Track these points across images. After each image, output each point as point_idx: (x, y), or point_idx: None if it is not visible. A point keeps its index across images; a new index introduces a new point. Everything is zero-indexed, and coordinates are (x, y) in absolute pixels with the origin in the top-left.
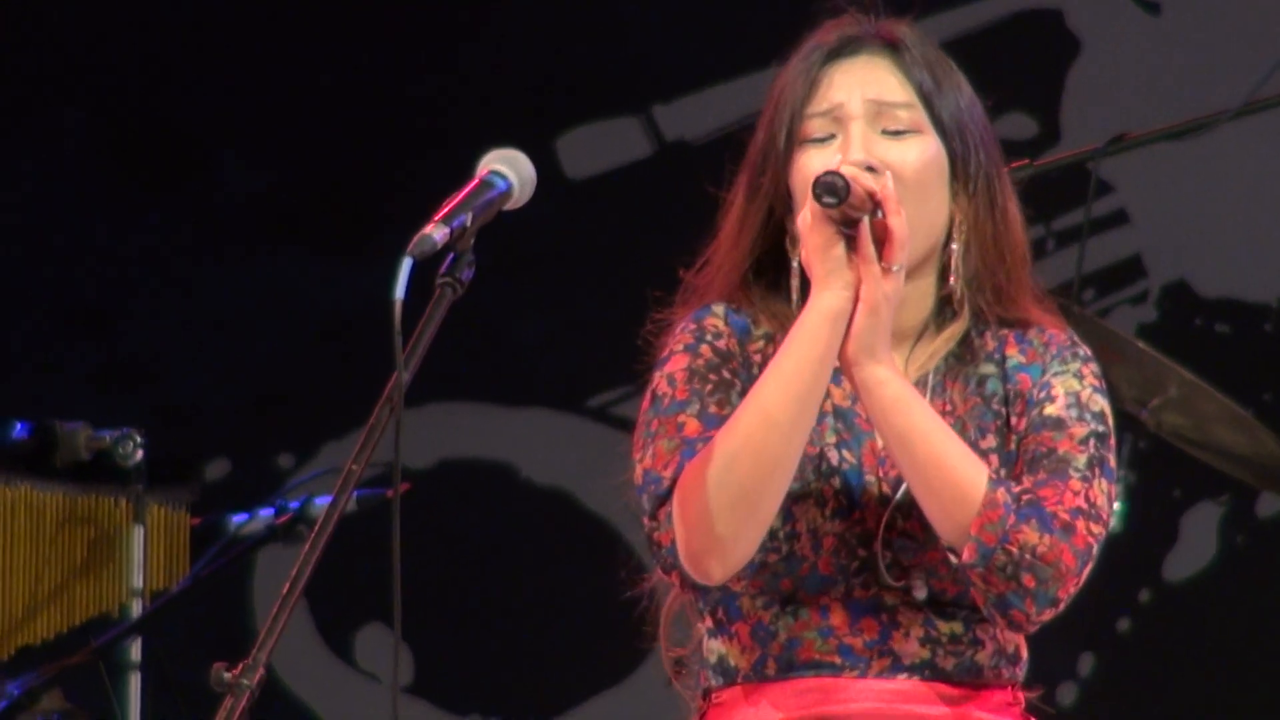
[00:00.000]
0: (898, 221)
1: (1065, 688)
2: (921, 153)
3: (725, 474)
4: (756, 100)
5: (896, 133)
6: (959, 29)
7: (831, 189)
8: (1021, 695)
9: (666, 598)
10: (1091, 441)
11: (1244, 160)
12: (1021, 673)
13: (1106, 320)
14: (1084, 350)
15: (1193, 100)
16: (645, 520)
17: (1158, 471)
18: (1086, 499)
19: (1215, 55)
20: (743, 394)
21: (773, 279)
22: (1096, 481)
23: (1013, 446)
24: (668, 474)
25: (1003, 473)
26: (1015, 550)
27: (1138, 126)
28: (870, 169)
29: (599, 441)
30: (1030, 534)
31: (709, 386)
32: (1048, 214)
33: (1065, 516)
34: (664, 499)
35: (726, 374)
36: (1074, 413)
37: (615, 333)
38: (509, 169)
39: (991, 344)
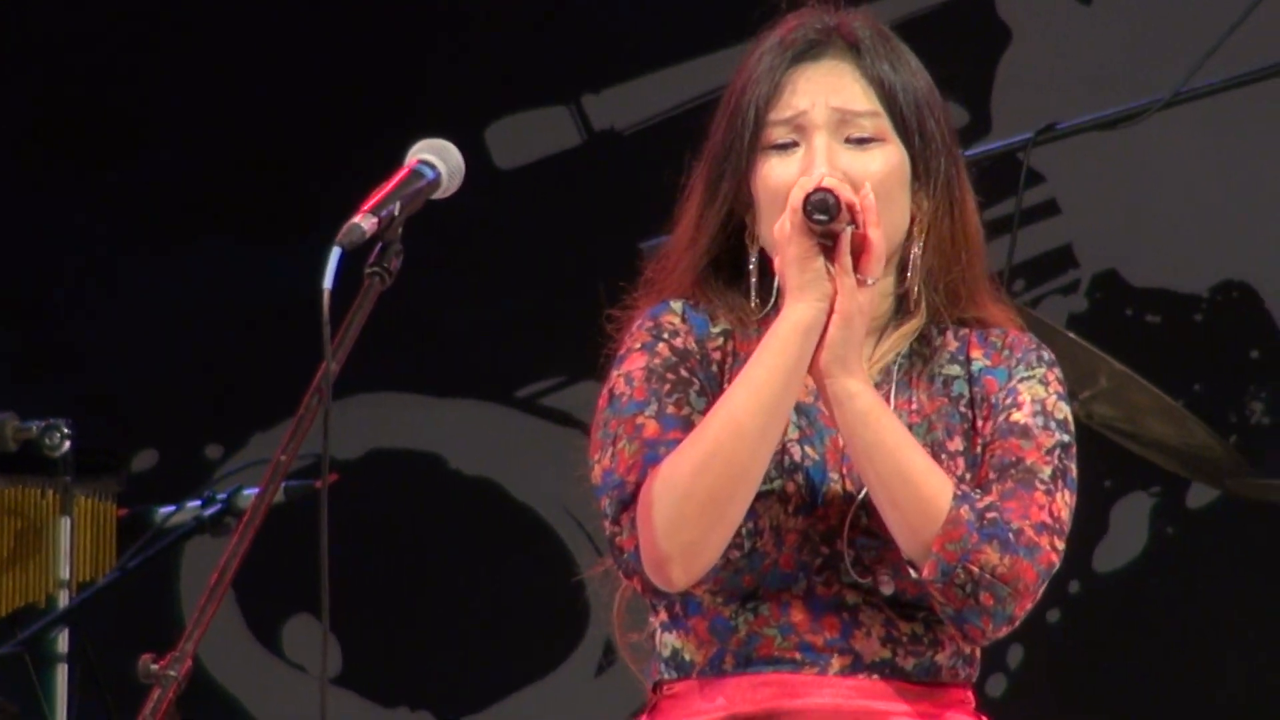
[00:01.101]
0: (876, 234)
1: (994, 679)
2: (884, 163)
3: (693, 482)
4: (686, 90)
5: (860, 141)
6: (890, 17)
7: (823, 206)
8: (972, 694)
9: (620, 584)
10: (1057, 452)
11: (1175, 150)
12: (975, 672)
13: (1037, 310)
14: (1048, 354)
15: (1123, 90)
16: (607, 525)
17: (1088, 462)
18: (1050, 513)
19: (1145, 45)
20: (701, 392)
21: (730, 274)
22: (1060, 494)
23: (978, 450)
24: (631, 479)
25: (968, 476)
26: (975, 570)
27: (1068, 116)
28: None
29: (527, 432)
30: (991, 554)
31: (667, 386)
32: (978, 204)
33: (1030, 533)
34: (628, 504)
35: (684, 372)
36: (1040, 421)
37: (544, 323)
38: (437, 158)
39: (954, 343)
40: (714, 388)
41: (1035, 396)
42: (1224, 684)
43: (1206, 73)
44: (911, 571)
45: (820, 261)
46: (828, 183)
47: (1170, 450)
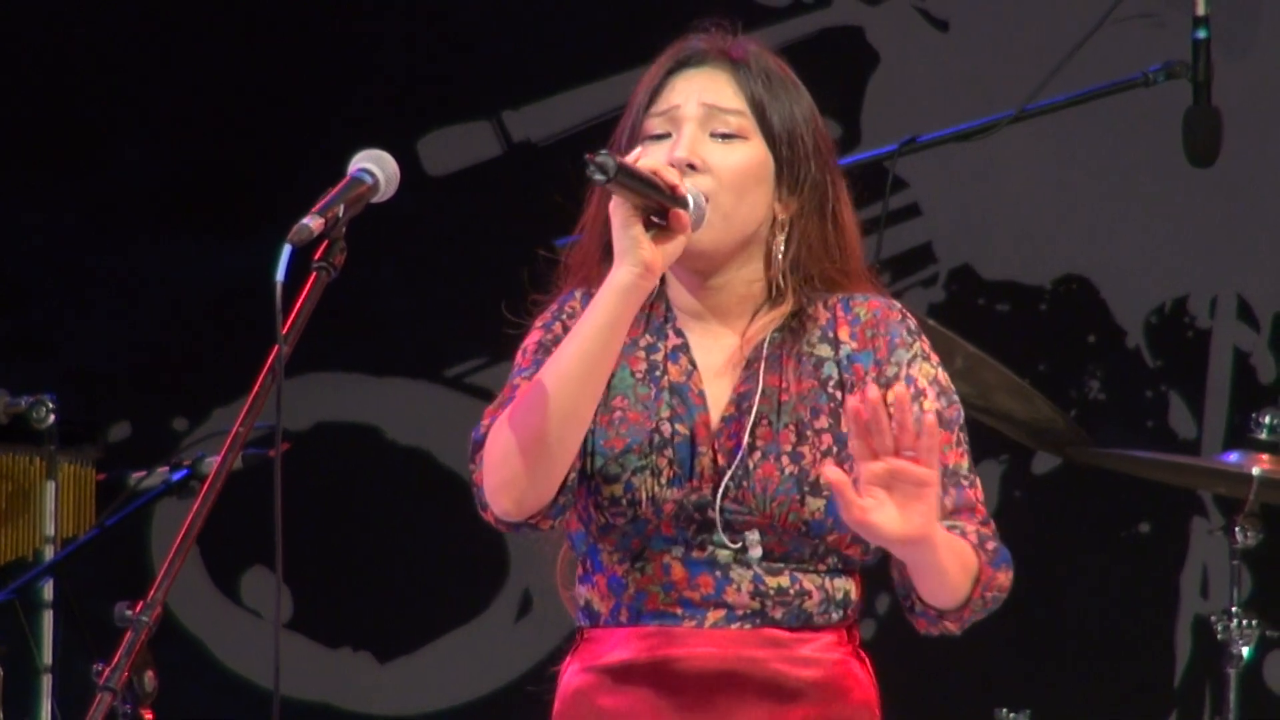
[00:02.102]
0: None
1: (866, 624)
2: (743, 157)
3: (522, 420)
4: (594, 107)
5: (724, 136)
6: (773, 43)
7: (602, 168)
8: (855, 634)
9: (562, 545)
10: (962, 437)
11: (1021, 159)
12: (853, 615)
13: (901, 301)
14: (912, 322)
15: (976, 106)
16: (470, 465)
17: None
18: (980, 501)
19: (996, 67)
20: None
21: None
22: (974, 477)
23: (845, 428)
24: (486, 423)
25: (835, 450)
26: (991, 595)
27: (928, 130)
28: (692, 166)
29: (454, 407)
30: (1002, 577)
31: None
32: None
33: (990, 539)
34: (480, 445)
35: None
36: (944, 401)
37: (469, 311)
38: (376, 167)
39: (824, 315)
40: None
41: (929, 377)
42: (1064, 624)
43: (1049, 92)
44: (943, 620)
45: (638, 229)
46: (622, 153)
47: (1018, 423)
